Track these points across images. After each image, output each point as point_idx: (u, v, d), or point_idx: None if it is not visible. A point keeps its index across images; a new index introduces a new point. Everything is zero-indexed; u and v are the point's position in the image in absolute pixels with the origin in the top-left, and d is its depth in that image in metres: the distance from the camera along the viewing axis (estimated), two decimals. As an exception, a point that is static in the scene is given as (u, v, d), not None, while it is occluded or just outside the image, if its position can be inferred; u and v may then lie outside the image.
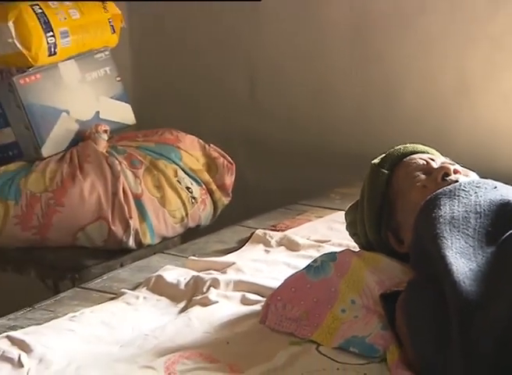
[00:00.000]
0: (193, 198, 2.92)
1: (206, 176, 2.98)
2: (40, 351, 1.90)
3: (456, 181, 2.00)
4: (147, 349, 1.94)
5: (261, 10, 3.44)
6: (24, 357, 1.87)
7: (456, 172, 2.05)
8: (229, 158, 3.04)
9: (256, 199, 3.09)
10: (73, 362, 1.88)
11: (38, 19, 2.78)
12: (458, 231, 1.82)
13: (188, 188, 2.91)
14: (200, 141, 3.03)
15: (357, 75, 3.33)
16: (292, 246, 2.53)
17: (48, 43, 2.79)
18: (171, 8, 3.58)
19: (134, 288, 2.29)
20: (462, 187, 1.93)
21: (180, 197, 2.88)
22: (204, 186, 2.97)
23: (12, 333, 1.97)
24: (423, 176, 2.06)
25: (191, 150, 2.99)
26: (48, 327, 2.04)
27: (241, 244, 2.60)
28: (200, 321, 2.07)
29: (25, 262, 2.78)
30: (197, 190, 2.93)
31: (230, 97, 3.55)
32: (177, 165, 2.92)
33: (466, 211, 1.86)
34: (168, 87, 3.62)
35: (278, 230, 2.67)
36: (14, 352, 1.88)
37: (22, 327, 2.04)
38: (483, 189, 1.93)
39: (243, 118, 3.52)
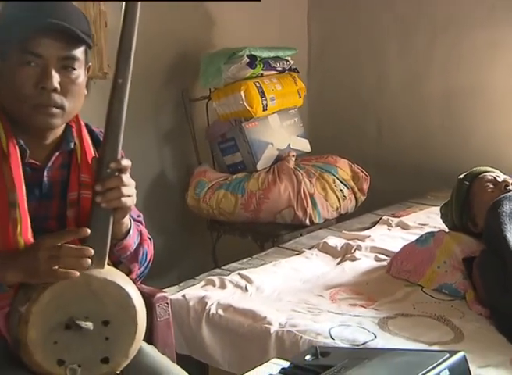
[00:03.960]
0: (344, 196, 2.88)
1: (352, 184, 2.94)
2: (257, 283, 1.94)
3: (513, 190, 1.92)
4: (319, 284, 1.96)
5: (385, 86, 3.37)
6: (248, 286, 1.93)
7: (513, 184, 1.97)
8: (365, 172, 2.98)
9: (381, 198, 3.01)
10: (276, 290, 1.92)
11: (257, 89, 2.80)
12: (515, 222, 1.75)
13: (341, 190, 2.87)
14: (349, 162, 2.99)
15: (446, 126, 3.20)
16: (405, 227, 2.49)
17: (262, 104, 2.81)
18: (328, 87, 3.55)
19: (310, 248, 2.30)
20: (518, 194, 1.85)
21: (336, 195, 2.85)
22: (350, 189, 2.92)
23: (241, 272, 2.03)
24: (492, 186, 1.99)
25: (343, 167, 2.96)
26: (261, 269, 2.09)
27: (373, 224, 2.57)
28: (350, 270, 2.07)
29: (245, 230, 2.82)
30: (346, 191, 2.89)
31: (365, 136, 3.48)
32: (335, 176, 2.89)
33: (520, 209, 1.79)
34: (329, 131, 3.56)
35: (396, 217, 2.62)
36: (242, 283, 1.94)
37: (246, 268, 2.09)
38: (532, 195, 1.85)
39: (373, 148, 3.44)
